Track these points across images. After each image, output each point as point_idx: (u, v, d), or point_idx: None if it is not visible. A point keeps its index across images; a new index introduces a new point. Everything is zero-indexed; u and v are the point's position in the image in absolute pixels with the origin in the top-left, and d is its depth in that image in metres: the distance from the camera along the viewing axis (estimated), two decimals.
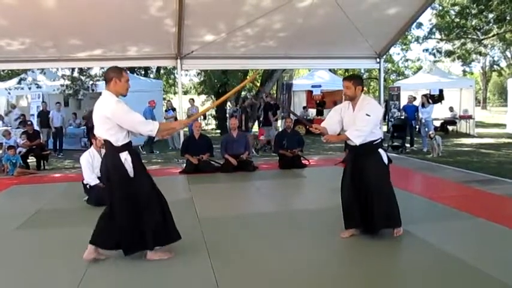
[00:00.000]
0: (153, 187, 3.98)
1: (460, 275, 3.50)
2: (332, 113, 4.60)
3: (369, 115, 4.18)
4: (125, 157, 3.76)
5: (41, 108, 14.10)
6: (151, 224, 3.84)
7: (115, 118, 3.66)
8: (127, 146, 3.81)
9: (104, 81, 3.90)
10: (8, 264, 4.03)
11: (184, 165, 8.94)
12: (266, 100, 14.60)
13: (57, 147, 13.31)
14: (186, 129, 14.37)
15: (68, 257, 4.11)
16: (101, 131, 3.77)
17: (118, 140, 3.74)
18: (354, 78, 4.40)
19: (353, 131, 4.22)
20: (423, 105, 12.74)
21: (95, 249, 3.90)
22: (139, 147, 12.62)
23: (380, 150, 4.36)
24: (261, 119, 14.46)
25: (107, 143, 3.79)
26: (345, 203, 4.46)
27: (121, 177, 3.75)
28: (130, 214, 3.78)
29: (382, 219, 4.20)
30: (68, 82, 15.54)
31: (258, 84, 19.67)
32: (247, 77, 21.46)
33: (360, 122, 4.20)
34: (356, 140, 4.19)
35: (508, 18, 20.11)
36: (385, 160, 4.35)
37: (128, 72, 14.84)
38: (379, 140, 4.41)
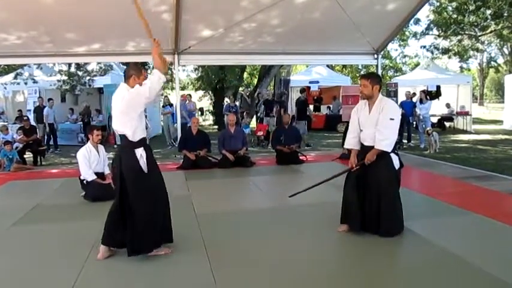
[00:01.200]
0: (163, 184, 4.01)
1: (457, 271, 3.51)
2: (351, 127, 4.50)
3: (393, 119, 4.13)
4: (140, 153, 3.80)
5: (37, 104, 14.04)
6: (159, 222, 3.88)
7: (139, 96, 3.66)
8: (142, 142, 3.84)
9: (124, 77, 3.94)
10: (4, 260, 4.02)
11: (182, 161, 8.93)
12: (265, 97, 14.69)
13: (52, 144, 13.23)
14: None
15: (65, 253, 4.11)
16: (120, 124, 3.79)
17: (135, 134, 3.76)
18: (372, 77, 4.30)
19: (381, 141, 4.14)
20: (421, 101, 12.75)
21: (108, 248, 3.90)
22: None
23: (392, 154, 4.25)
24: (259, 114, 14.48)
25: (123, 138, 3.82)
26: (345, 201, 4.45)
27: (136, 172, 3.76)
28: (149, 210, 3.78)
29: (387, 223, 4.18)
30: (64, 77, 15.47)
31: (256, 81, 19.70)
32: (245, 76, 21.34)
33: (385, 128, 4.13)
34: (388, 148, 4.15)
35: (505, 14, 20.13)
36: (396, 164, 4.28)
37: (125, 67, 14.77)
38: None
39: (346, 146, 4.62)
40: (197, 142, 8.78)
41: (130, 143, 3.77)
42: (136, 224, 3.71)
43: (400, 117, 4.28)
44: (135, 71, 3.86)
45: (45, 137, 12.95)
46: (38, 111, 13.54)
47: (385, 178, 4.20)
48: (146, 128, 4.06)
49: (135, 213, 3.72)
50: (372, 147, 4.20)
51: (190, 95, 15.93)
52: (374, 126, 4.21)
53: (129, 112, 3.71)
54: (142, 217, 3.73)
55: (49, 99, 13.57)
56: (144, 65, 23.23)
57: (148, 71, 23.71)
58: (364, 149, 4.33)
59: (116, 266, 3.77)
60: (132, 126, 3.74)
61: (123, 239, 3.79)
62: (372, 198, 4.21)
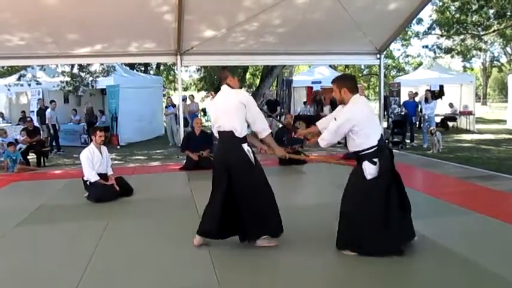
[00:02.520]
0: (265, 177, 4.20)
1: (460, 270, 3.50)
2: (330, 116, 4.30)
3: (335, 119, 3.85)
4: (247, 148, 4.03)
5: (40, 105, 14.09)
6: (273, 212, 4.13)
7: (248, 104, 3.96)
8: (246, 138, 4.06)
9: (219, 79, 4.32)
10: (8, 261, 4.04)
11: (184, 161, 8.93)
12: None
13: (54, 145, 13.27)
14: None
15: (68, 253, 4.13)
16: (231, 119, 3.98)
17: (242, 130, 3.98)
18: (338, 80, 4.01)
19: (322, 135, 3.99)
20: (427, 101, 12.69)
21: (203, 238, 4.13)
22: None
23: (365, 163, 3.77)
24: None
25: (229, 134, 3.98)
26: None
27: (246, 164, 4.00)
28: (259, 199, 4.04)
29: (341, 238, 3.94)
30: (67, 78, 15.50)
31: (258, 81, 19.71)
32: (247, 76, 21.36)
33: (330, 126, 3.91)
34: (320, 142, 3.98)
35: (508, 14, 20.05)
36: (368, 175, 3.75)
37: (128, 68, 14.86)
38: (366, 150, 3.78)
39: (318, 123, 4.45)
40: (200, 142, 8.78)
41: (238, 139, 3.99)
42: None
43: (354, 118, 3.73)
44: (228, 72, 4.25)
45: (49, 138, 12.99)
46: (41, 113, 13.59)
47: (350, 190, 3.94)
48: None
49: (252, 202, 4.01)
50: (353, 152, 3.91)
51: (192, 96, 15.97)
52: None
53: (243, 110, 3.98)
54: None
55: (51, 101, 13.61)
56: (146, 66, 23.40)
57: (151, 72, 23.79)
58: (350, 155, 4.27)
59: (119, 266, 3.78)
60: (243, 123, 4.01)
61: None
62: (342, 211, 3.98)
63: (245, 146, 4.02)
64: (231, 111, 3.98)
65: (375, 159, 3.75)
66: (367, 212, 3.75)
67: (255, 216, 3.98)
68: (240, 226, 4.03)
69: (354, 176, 3.94)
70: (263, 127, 4.08)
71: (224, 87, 4.16)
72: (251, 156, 4.03)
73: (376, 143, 3.78)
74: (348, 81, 4.01)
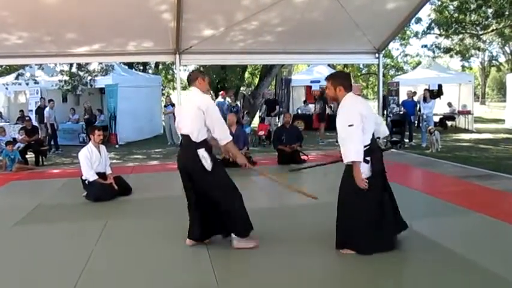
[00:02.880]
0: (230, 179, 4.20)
1: (458, 269, 3.51)
2: None
3: (352, 125, 3.62)
4: (202, 154, 3.92)
5: (39, 104, 14.06)
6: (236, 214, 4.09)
7: (208, 110, 3.89)
8: (204, 143, 3.98)
9: (188, 81, 4.22)
10: (6, 260, 4.03)
11: None
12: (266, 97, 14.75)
13: (53, 144, 13.27)
14: None
15: (67, 253, 4.12)
16: (188, 124, 3.95)
17: (199, 135, 3.92)
18: (333, 77, 3.93)
19: (346, 153, 3.69)
20: (425, 100, 12.70)
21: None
22: None
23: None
24: (261, 114, 14.49)
25: (186, 138, 3.97)
26: None
27: (201, 171, 3.92)
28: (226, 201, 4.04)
29: (341, 236, 3.93)
30: (66, 78, 15.48)
31: (257, 80, 19.71)
32: (246, 76, 21.43)
33: (346, 136, 3.68)
34: (355, 158, 3.63)
35: (506, 13, 20.09)
36: (363, 172, 3.70)
37: (127, 67, 14.82)
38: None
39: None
40: None
41: (194, 144, 3.94)
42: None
43: (358, 116, 3.64)
44: (200, 73, 4.18)
45: (47, 137, 12.98)
46: (40, 112, 13.57)
47: (344, 190, 3.90)
48: None
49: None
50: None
51: None
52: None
53: (202, 115, 3.91)
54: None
55: (49, 100, 13.59)
56: (145, 65, 23.38)
57: (150, 71, 23.76)
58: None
59: (117, 266, 3.78)
60: (201, 128, 3.94)
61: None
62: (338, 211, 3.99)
63: (201, 152, 3.91)
64: (190, 116, 3.95)
65: (368, 158, 3.70)
66: (364, 211, 3.75)
67: (219, 218, 4.05)
68: (216, 225, 4.14)
69: (347, 175, 3.84)
70: (223, 135, 4.00)
71: (191, 89, 4.12)
72: (206, 162, 3.91)
73: (369, 141, 3.74)
74: (344, 79, 3.92)
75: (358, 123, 3.62)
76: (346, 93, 3.82)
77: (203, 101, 3.96)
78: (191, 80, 4.14)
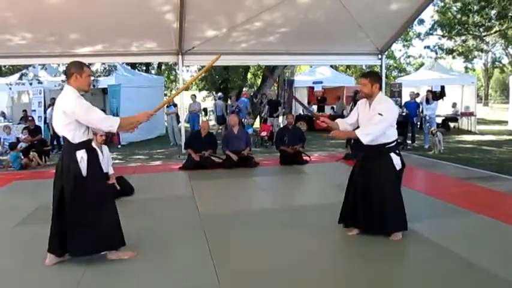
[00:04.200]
0: (105, 190, 3.90)
1: (460, 271, 3.50)
2: (353, 112, 4.52)
3: (381, 114, 4.06)
4: (81, 155, 3.65)
5: (49, 104, 14.10)
6: (104, 225, 3.73)
7: (73, 115, 3.57)
8: (85, 144, 3.71)
9: (65, 76, 3.83)
10: (8, 260, 4.04)
11: (185, 161, 8.90)
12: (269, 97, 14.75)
13: (56, 144, 13.30)
14: (188, 125, 14.41)
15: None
16: (59, 127, 3.67)
17: (75, 137, 3.64)
18: (371, 76, 4.28)
19: (362, 129, 4.15)
20: (428, 102, 12.68)
21: (54, 256, 3.79)
22: None
23: (392, 154, 4.21)
24: (263, 114, 14.49)
25: (65, 140, 3.71)
26: (345, 201, 4.44)
27: (75, 176, 3.61)
28: (83, 214, 3.63)
29: (390, 223, 4.15)
30: None
31: (259, 82, 19.72)
32: (249, 76, 21.54)
33: (371, 123, 4.11)
34: (363, 138, 4.09)
35: (509, 15, 20.04)
36: (397, 164, 4.22)
37: (129, 67, 14.79)
38: (393, 143, 4.25)
39: (336, 120, 4.55)
40: (204, 144, 8.77)
41: (72, 145, 3.66)
42: (70, 225, 3.67)
43: (394, 116, 4.22)
44: (76, 68, 3.72)
45: (50, 137, 13.04)
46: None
47: (387, 178, 4.17)
48: None
49: (67, 215, 3.66)
50: (377, 145, 4.17)
51: (194, 95, 15.97)
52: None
53: (69, 117, 3.60)
54: (76, 221, 3.65)
55: (51, 98, 13.64)
56: (148, 65, 23.41)
57: (152, 71, 23.77)
58: (363, 147, 4.29)
59: (118, 266, 3.78)
60: (73, 130, 3.63)
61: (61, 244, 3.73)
62: (373, 199, 4.16)
63: (80, 153, 3.65)
64: (58, 119, 3.64)
65: (397, 151, 4.26)
66: (399, 195, 4.22)
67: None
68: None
69: (379, 167, 4.19)
70: (105, 125, 3.70)
71: (65, 87, 3.74)
72: (84, 164, 3.64)
73: (396, 137, 4.31)
74: (380, 79, 4.34)
75: (389, 119, 4.12)
76: (380, 92, 4.27)
77: (66, 103, 3.59)
78: (67, 75, 3.78)
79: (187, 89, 10.74)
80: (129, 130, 3.93)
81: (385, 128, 4.10)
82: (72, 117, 3.58)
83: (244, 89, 20.41)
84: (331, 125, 4.41)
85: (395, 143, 4.26)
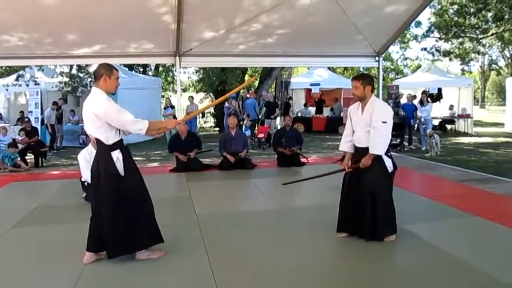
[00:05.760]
0: (143, 186, 3.92)
1: (457, 273, 3.51)
2: (347, 125, 4.47)
3: (385, 122, 4.06)
4: (117, 156, 3.71)
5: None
6: (143, 224, 3.81)
7: (106, 117, 3.62)
8: (118, 144, 3.76)
9: (94, 78, 3.86)
10: (5, 262, 4.02)
11: (176, 163, 8.86)
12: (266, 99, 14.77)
13: (58, 145, 13.30)
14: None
15: (66, 255, 4.11)
16: (92, 129, 3.71)
17: (108, 138, 3.69)
18: (363, 78, 4.24)
19: (376, 144, 4.06)
20: (422, 104, 12.73)
21: (93, 254, 3.85)
22: None
23: (384, 156, 4.15)
24: (260, 116, 14.50)
25: (98, 142, 3.73)
26: (341, 206, 4.42)
27: (112, 176, 3.68)
28: (121, 214, 3.71)
29: (383, 227, 4.14)
30: (66, 79, 15.49)
31: (257, 84, 19.74)
32: (246, 78, 21.61)
33: (379, 132, 4.05)
34: (382, 152, 4.08)
35: (506, 17, 20.12)
36: (389, 167, 4.18)
37: (127, 69, 14.81)
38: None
39: (340, 148, 4.55)
40: (187, 145, 8.73)
41: (106, 146, 3.71)
42: (107, 225, 3.73)
43: (392, 120, 4.17)
44: (106, 70, 3.73)
45: (50, 137, 13.06)
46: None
47: (379, 182, 4.13)
48: None
49: (105, 216, 3.73)
50: (364, 148, 4.14)
51: (192, 97, 15.97)
52: (365, 127, 4.16)
53: (100, 120, 3.64)
54: (114, 222, 3.72)
55: (53, 103, 13.67)
56: (145, 67, 23.38)
57: (150, 73, 23.77)
58: (358, 151, 4.28)
59: (116, 267, 3.77)
60: (105, 132, 3.68)
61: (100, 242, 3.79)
62: (366, 202, 4.13)
63: (115, 154, 3.72)
64: (90, 121, 3.68)
65: (389, 154, 4.20)
66: (390, 199, 4.20)
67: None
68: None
69: (372, 170, 4.12)
70: (134, 128, 3.74)
71: (93, 89, 3.76)
72: (120, 164, 3.72)
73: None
74: (372, 81, 4.27)
75: (390, 122, 4.10)
76: (372, 94, 4.22)
77: (98, 105, 3.62)
78: (96, 77, 3.79)
79: (184, 90, 10.73)
80: (156, 134, 4.04)
81: (389, 133, 4.14)
82: (104, 119, 3.62)
83: (251, 89, 20.39)
84: (349, 158, 4.41)
85: (387, 146, 4.23)
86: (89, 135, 3.85)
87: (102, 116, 3.60)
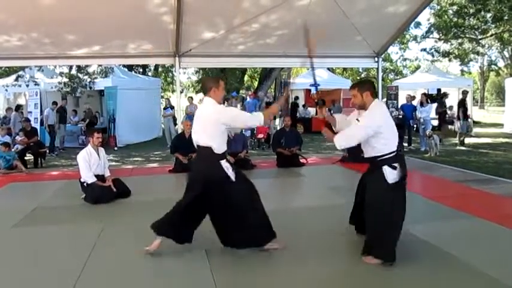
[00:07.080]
0: (252, 186, 4.25)
1: (457, 273, 3.51)
2: (351, 115, 4.25)
3: (358, 120, 3.84)
4: (226, 165, 3.97)
5: (61, 104, 14.11)
6: (258, 221, 4.06)
7: (232, 121, 3.95)
8: (225, 154, 4.05)
9: (203, 90, 4.25)
10: (5, 262, 4.02)
11: (174, 164, 8.82)
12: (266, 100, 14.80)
13: (57, 145, 13.29)
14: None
15: (65, 255, 4.12)
16: (206, 138, 3.92)
17: (220, 145, 3.93)
18: (359, 85, 3.97)
19: (339, 134, 3.88)
20: (422, 105, 12.75)
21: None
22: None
23: (385, 167, 3.74)
24: None
25: (206, 150, 3.92)
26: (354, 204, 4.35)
27: (224, 183, 3.93)
28: (240, 215, 3.99)
29: (369, 243, 3.84)
30: (65, 79, 15.49)
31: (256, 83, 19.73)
32: (245, 79, 21.56)
33: (349, 128, 3.89)
34: (336, 143, 3.85)
35: (505, 18, 20.15)
36: (390, 179, 3.74)
37: (126, 70, 14.82)
38: (386, 155, 3.77)
39: (335, 116, 4.41)
40: (190, 145, 8.66)
41: (216, 156, 3.93)
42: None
43: (375, 124, 3.74)
44: (214, 83, 4.02)
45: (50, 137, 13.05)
46: (60, 110, 13.73)
47: (375, 196, 3.81)
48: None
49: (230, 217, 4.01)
50: (370, 158, 3.91)
51: (191, 98, 15.96)
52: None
53: (219, 127, 3.92)
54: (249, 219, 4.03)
55: (53, 103, 13.66)
56: (144, 67, 23.39)
57: (149, 74, 23.76)
58: (366, 160, 4.07)
59: (115, 267, 3.78)
60: (217, 139, 3.94)
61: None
62: (366, 215, 3.94)
63: (223, 163, 3.98)
64: (207, 129, 3.93)
65: (395, 164, 3.77)
66: (393, 215, 3.74)
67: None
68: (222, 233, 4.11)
69: (372, 182, 3.89)
70: (255, 122, 4.10)
71: (206, 100, 4.02)
72: (229, 173, 3.98)
73: (395, 148, 3.82)
74: (369, 85, 4.01)
75: (368, 125, 3.74)
76: (373, 98, 3.90)
77: (223, 114, 3.93)
78: (206, 89, 4.07)
79: (182, 91, 10.72)
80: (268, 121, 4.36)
81: (361, 136, 3.78)
82: (230, 123, 3.96)
83: (242, 92, 20.43)
84: (330, 120, 4.28)
85: (389, 155, 3.78)
86: (199, 144, 4.00)
87: (228, 121, 3.91)
